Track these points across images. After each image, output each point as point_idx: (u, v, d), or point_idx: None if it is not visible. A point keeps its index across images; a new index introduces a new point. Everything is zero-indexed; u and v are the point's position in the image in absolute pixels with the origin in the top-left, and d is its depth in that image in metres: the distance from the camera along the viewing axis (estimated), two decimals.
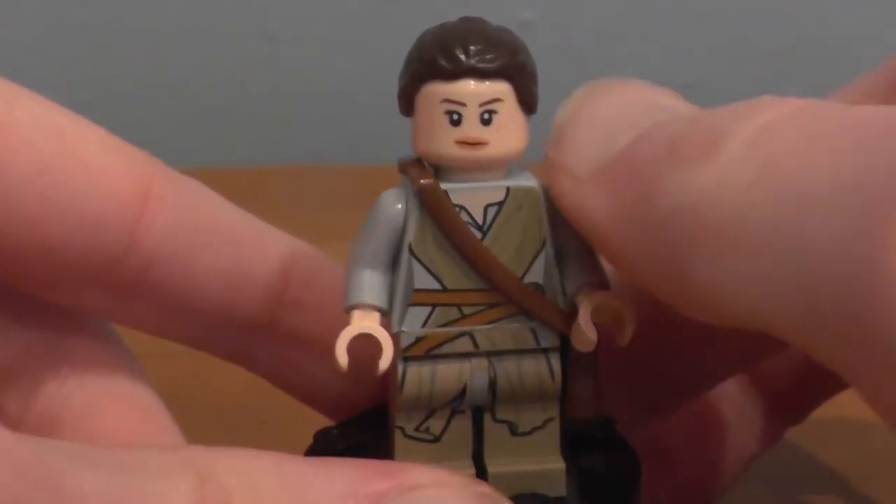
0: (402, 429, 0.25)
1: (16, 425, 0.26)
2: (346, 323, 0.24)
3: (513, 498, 0.25)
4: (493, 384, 0.25)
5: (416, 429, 0.25)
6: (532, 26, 0.63)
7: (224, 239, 0.26)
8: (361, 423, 0.27)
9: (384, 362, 0.24)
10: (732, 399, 0.31)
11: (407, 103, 0.24)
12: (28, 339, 0.26)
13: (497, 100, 0.24)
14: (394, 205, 0.24)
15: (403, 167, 0.25)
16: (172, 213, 0.26)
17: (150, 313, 0.27)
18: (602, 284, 0.25)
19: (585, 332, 0.24)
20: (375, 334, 0.24)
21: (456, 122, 0.24)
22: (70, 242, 0.25)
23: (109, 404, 0.26)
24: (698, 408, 0.31)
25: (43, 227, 0.24)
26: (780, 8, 0.64)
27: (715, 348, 0.28)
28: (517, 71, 0.24)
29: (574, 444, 0.26)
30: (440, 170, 0.24)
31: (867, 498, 0.34)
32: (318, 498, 0.20)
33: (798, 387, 0.31)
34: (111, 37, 0.64)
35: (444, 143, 0.24)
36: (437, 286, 0.24)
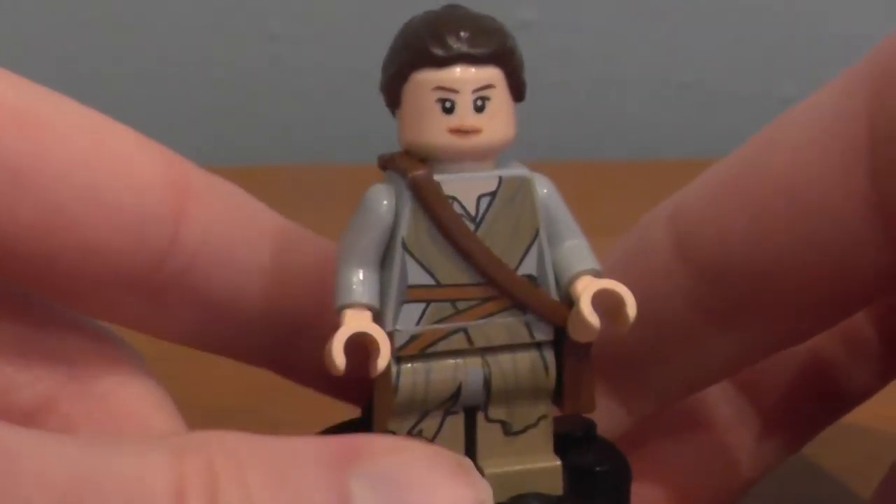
0: (394, 434, 0.24)
1: None
2: (337, 324, 0.24)
3: (514, 498, 0.25)
4: (487, 382, 0.25)
5: (409, 432, 0.25)
6: (532, 26, 0.62)
7: (264, 236, 0.26)
8: (365, 423, 0.26)
9: (382, 361, 0.23)
10: (726, 421, 0.31)
11: (394, 94, 0.24)
12: (60, 378, 0.26)
13: (490, 86, 0.23)
14: (382, 201, 0.24)
15: (388, 162, 0.24)
16: (212, 209, 0.25)
17: (189, 319, 0.26)
18: (596, 273, 0.24)
19: (587, 318, 0.24)
20: (372, 333, 0.23)
21: (449, 110, 0.23)
22: (110, 240, 0.24)
23: None
24: (692, 428, 0.31)
25: (85, 225, 0.24)
26: (780, 7, 0.64)
27: (698, 349, 0.28)
28: (508, 56, 0.24)
29: (559, 444, 0.26)
30: (428, 161, 0.24)
31: (867, 499, 0.34)
32: (293, 461, 0.20)
33: (793, 412, 0.31)
34: (111, 36, 0.64)
35: (437, 132, 0.23)
36: (430, 281, 0.24)
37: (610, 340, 0.27)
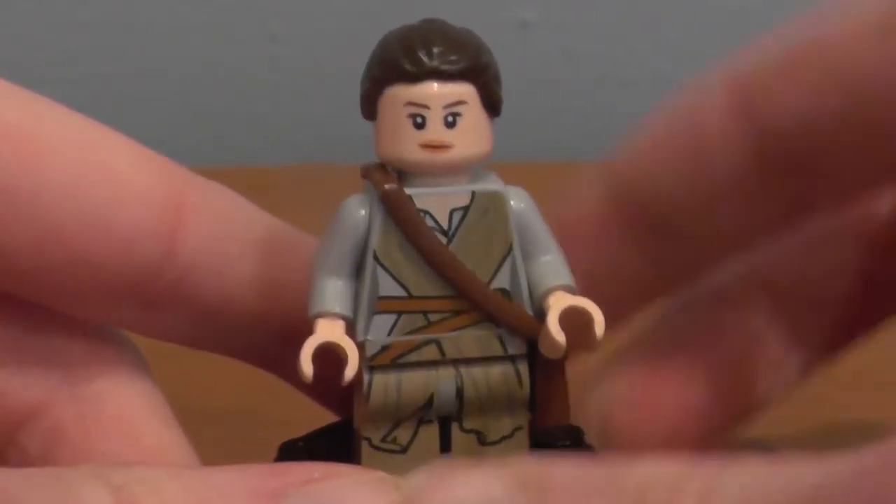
0: (369, 440, 0.25)
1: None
2: (310, 332, 0.24)
3: None
4: (460, 392, 0.25)
5: (383, 440, 0.25)
6: (532, 26, 0.62)
7: (259, 247, 0.26)
8: (328, 436, 0.26)
9: (350, 371, 0.24)
10: (751, 329, 0.31)
11: (370, 107, 0.24)
12: (53, 382, 0.26)
13: (461, 102, 0.24)
14: (357, 211, 0.24)
15: (366, 172, 0.24)
16: (208, 222, 0.25)
17: (183, 324, 0.26)
18: (569, 289, 0.25)
19: (553, 336, 0.24)
20: (340, 343, 0.24)
21: (420, 126, 0.24)
22: (106, 256, 0.24)
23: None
24: (712, 334, 0.31)
25: (78, 241, 0.24)
26: (780, 8, 0.64)
27: (745, 202, 0.28)
28: (481, 72, 0.24)
29: (543, 452, 0.26)
30: (404, 174, 0.24)
31: None
32: (218, 495, 0.21)
33: (826, 319, 0.31)
34: (111, 36, 0.64)
35: (408, 146, 0.24)
36: (402, 293, 0.24)
37: (656, 191, 0.28)
